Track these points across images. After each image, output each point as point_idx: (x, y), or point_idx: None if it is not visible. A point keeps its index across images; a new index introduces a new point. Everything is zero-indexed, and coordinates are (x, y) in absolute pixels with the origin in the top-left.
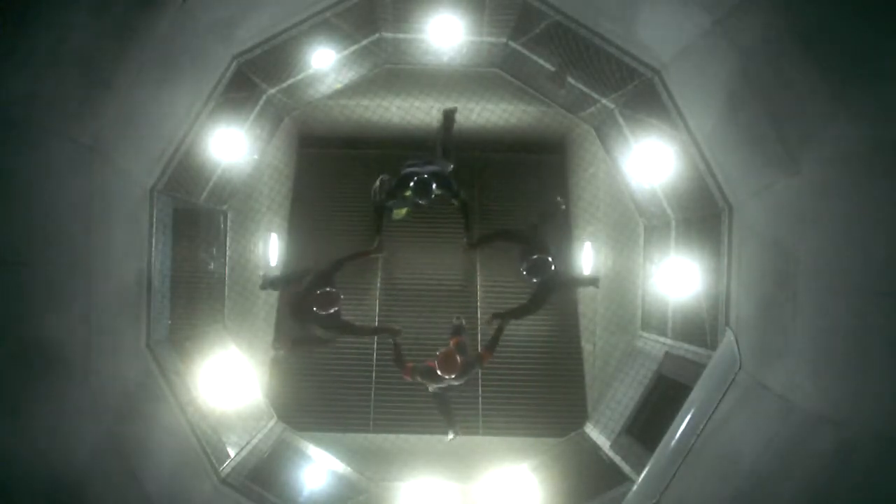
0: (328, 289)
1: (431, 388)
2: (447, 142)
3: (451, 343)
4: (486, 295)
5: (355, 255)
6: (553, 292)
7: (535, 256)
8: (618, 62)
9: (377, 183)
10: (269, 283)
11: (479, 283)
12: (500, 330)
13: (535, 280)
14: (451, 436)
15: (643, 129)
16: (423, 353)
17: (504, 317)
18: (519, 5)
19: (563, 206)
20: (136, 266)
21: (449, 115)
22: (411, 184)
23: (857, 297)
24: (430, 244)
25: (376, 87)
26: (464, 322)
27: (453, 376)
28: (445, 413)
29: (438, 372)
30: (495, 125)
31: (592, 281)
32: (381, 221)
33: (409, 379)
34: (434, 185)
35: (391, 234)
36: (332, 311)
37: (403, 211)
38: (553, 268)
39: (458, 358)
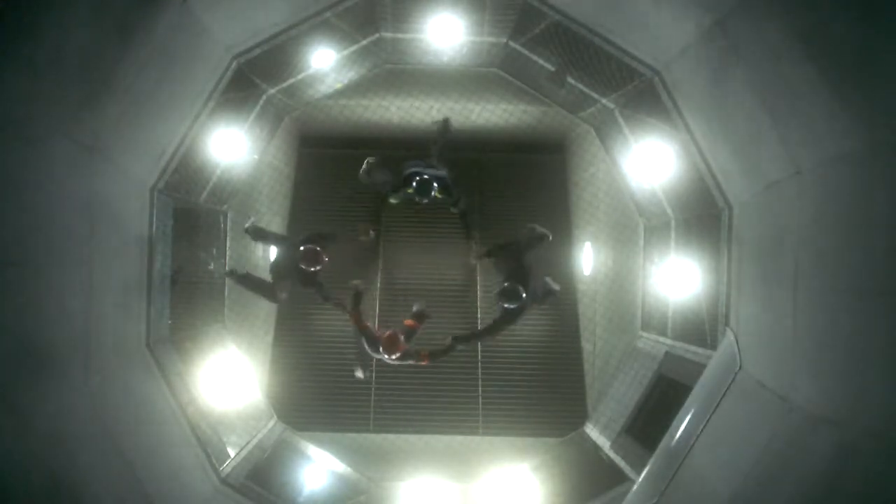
0: (315, 247)
1: (367, 350)
2: (443, 150)
3: (406, 324)
4: (486, 295)
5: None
6: (514, 322)
7: (507, 284)
8: (618, 62)
9: (364, 165)
10: (255, 232)
11: (479, 283)
12: (450, 347)
13: (504, 305)
14: (359, 374)
15: (643, 129)
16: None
17: (459, 339)
18: (519, 5)
19: (549, 237)
20: (136, 266)
21: (446, 125)
22: (414, 182)
23: (857, 297)
24: (430, 244)
25: (376, 87)
26: (425, 313)
27: (393, 357)
28: (362, 359)
29: (380, 348)
30: (495, 125)
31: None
32: (382, 210)
33: (354, 323)
34: (435, 186)
35: (391, 233)
36: (315, 268)
37: (398, 198)
38: (523, 297)
39: (401, 341)
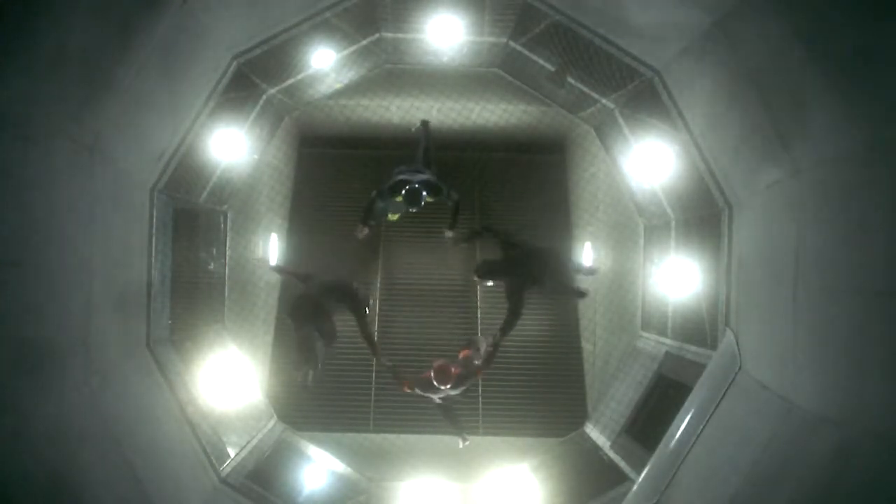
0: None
1: (433, 398)
2: (427, 151)
3: (461, 355)
4: (486, 295)
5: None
6: (522, 291)
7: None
8: (618, 62)
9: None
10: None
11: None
12: (495, 347)
13: (481, 280)
14: (463, 442)
15: (643, 129)
16: (423, 352)
17: (499, 334)
18: (519, 5)
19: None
20: (136, 266)
21: (426, 126)
22: (403, 192)
23: (857, 297)
24: (431, 244)
25: (376, 87)
26: (478, 342)
27: (448, 386)
28: (451, 421)
29: (434, 383)
30: (495, 125)
31: (580, 293)
32: (368, 216)
33: (408, 391)
34: (424, 194)
35: (392, 233)
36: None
37: (397, 216)
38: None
39: (453, 369)
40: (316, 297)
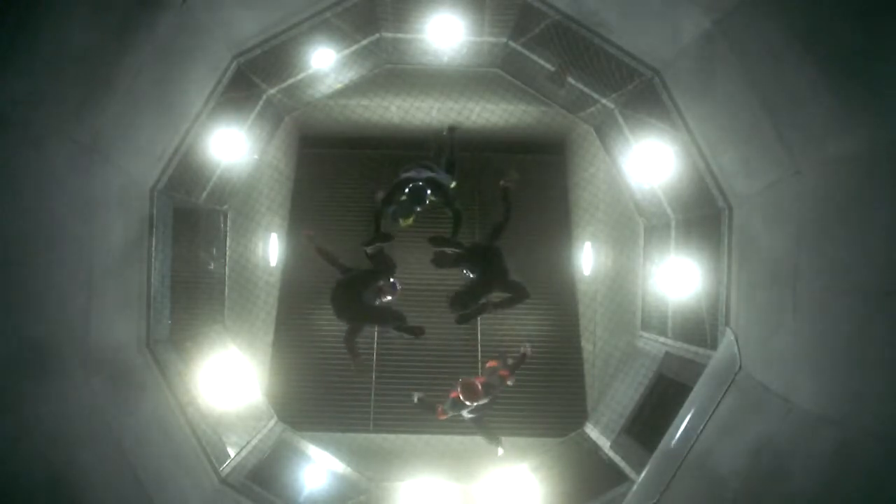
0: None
1: (465, 414)
2: (452, 157)
3: (488, 365)
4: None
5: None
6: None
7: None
8: (618, 62)
9: (378, 195)
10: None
11: None
12: (523, 356)
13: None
14: (500, 451)
15: (643, 129)
16: (423, 353)
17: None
18: (519, 5)
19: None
20: (136, 266)
21: (452, 133)
22: (406, 189)
23: (856, 297)
24: (430, 245)
25: (376, 87)
26: (506, 357)
27: (476, 400)
28: (485, 433)
29: (464, 401)
30: (495, 125)
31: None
32: (378, 223)
33: (444, 418)
34: (428, 192)
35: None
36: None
37: (410, 220)
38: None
39: (478, 383)
40: (352, 288)
